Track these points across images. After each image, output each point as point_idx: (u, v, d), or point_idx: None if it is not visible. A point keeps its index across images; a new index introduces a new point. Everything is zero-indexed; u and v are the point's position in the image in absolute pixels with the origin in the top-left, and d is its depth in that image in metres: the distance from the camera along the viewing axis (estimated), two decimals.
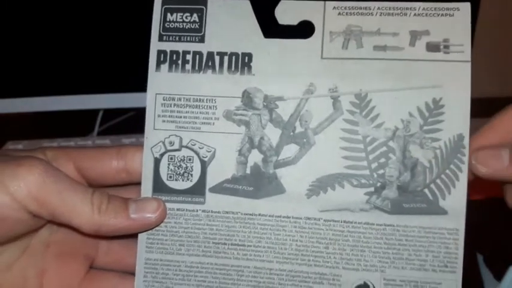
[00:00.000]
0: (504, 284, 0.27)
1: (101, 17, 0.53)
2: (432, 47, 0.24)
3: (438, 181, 0.24)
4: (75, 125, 0.63)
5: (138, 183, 0.26)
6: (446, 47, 0.24)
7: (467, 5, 0.24)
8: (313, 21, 0.25)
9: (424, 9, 0.24)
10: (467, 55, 0.24)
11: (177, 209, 0.25)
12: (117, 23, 0.53)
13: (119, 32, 0.53)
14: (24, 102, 0.56)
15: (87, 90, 0.56)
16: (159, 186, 0.26)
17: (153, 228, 0.25)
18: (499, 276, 0.33)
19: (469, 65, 0.24)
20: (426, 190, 0.24)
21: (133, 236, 0.26)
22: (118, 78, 0.56)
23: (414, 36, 0.24)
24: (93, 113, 0.63)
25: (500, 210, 0.47)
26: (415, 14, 0.24)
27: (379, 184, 0.25)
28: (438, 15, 0.24)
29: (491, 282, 0.36)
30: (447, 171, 0.24)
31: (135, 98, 0.56)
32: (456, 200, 0.24)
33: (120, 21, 0.53)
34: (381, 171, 0.25)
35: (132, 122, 0.65)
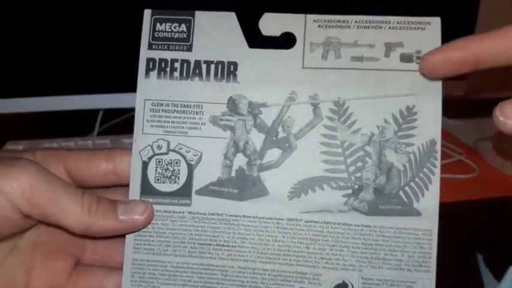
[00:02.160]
0: (504, 284, 0.28)
1: (101, 17, 0.52)
2: (405, 58, 0.25)
3: (412, 184, 0.25)
4: (75, 125, 0.62)
5: (126, 185, 0.26)
6: (418, 58, 0.24)
7: (438, 19, 0.24)
8: (295, 33, 0.25)
9: (398, 22, 0.25)
10: None
11: (164, 211, 0.25)
12: (117, 23, 0.52)
13: (119, 32, 0.52)
14: (24, 102, 0.55)
15: (87, 90, 0.56)
16: (146, 188, 0.25)
17: (140, 229, 0.25)
18: (499, 276, 0.32)
19: None
20: (401, 192, 0.25)
21: (120, 235, 0.25)
22: (118, 78, 0.55)
23: (389, 47, 0.25)
24: (93, 113, 0.63)
25: (500, 210, 0.48)
26: (389, 27, 0.25)
27: (356, 187, 0.25)
28: (411, 28, 0.25)
29: (491, 282, 0.36)
30: (420, 174, 0.24)
31: (135, 98, 0.57)
32: (429, 202, 0.24)
33: (120, 22, 0.52)
34: (358, 175, 0.25)
35: (132, 122, 0.66)
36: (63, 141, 0.56)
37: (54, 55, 0.54)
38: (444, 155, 0.24)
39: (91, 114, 0.63)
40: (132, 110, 0.67)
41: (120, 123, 0.66)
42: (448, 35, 0.25)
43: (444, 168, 0.25)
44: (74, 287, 0.26)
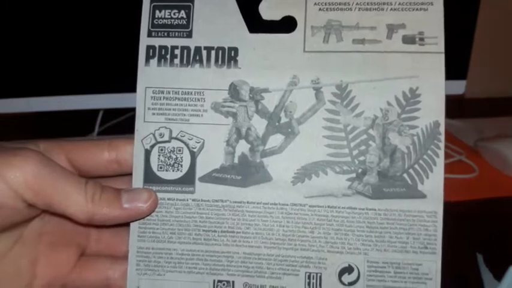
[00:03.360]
0: (504, 284, 0.28)
1: (101, 17, 0.52)
2: (408, 40, 0.25)
3: (416, 166, 0.24)
4: (75, 125, 0.62)
5: (128, 174, 0.26)
6: (421, 39, 0.24)
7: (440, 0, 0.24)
8: (296, 17, 0.25)
9: (399, 4, 0.25)
10: (441, 47, 0.24)
11: (168, 199, 0.25)
12: (117, 23, 0.52)
13: (119, 32, 0.52)
14: (24, 102, 0.55)
15: (87, 90, 0.56)
16: (149, 176, 0.25)
17: (144, 217, 0.25)
18: (499, 276, 0.32)
19: (442, 56, 0.24)
20: (405, 175, 0.25)
21: (124, 224, 0.25)
22: (118, 78, 0.54)
23: (391, 29, 0.25)
24: (93, 113, 0.63)
25: (500, 210, 0.48)
26: (391, 9, 0.25)
27: (360, 170, 0.25)
28: (413, 9, 0.25)
29: (491, 282, 0.36)
30: (424, 156, 0.24)
31: (135, 98, 0.56)
32: (434, 184, 0.24)
33: (120, 22, 0.52)
34: (361, 158, 0.25)
35: (132, 122, 0.65)
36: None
37: (54, 55, 0.54)
38: (444, 155, 0.24)
39: (91, 114, 0.63)
40: (132, 110, 0.66)
41: (120, 123, 0.66)
42: (449, 22, 0.25)
43: (444, 168, 0.25)
44: (79, 278, 0.26)
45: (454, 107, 0.26)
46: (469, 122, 0.65)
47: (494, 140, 0.58)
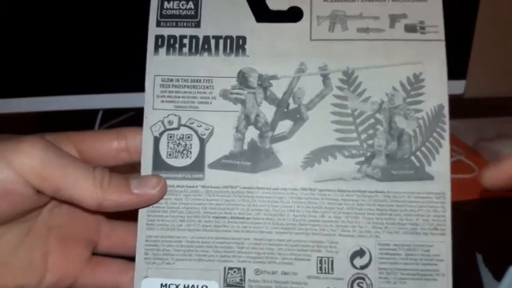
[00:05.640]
0: (504, 284, 0.28)
1: (101, 17, 0.52)
2: (410, 28, 0.25)
3: (423, 148, 0.25)
4: (75, 125, 0.63)
5: (139, 163, 0.25)
6: (422, 28, 0.25)
7: None
8: (302, 7, 0.26)
9: None
10: (441, 35, 0.25)
11: (177, 186, 0.25)
12: (117, 22, 0.52)
13: (119, 32, 0.52)
14: (24, 102, 0.55)
15: (87, 90, 0.55)
16: (158, 163, 0.25)
17: (154, 203, 0.25)
18: (498, 276, 0.32)
19: (443, 43, 0.25)
20: (412, 157, 0.25)
21: (135, 218, 0.25)
22: (118, 78, 0.55)
23: (393, 19, 0.25)
24: (93, 113, 0.62)
25: (500, 210, 0.48)
26: (393, 0, 0.25)
27: (368, 154, 0.25)
28: (413, 0, 0.25)
29: (491, 282, 0.36)
30: (431, 139, 0.25)
31: (135, 98, 0.55)
32: (441, 165, 0.24)
33: (120, 21, 0.52)
34: (370, 142, 0.25)
35: (132, 122, 0.65)
36: None
37: (54, 55, 0.54)
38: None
39: (91, 114, 0.63)
40: (132, 110, 0.66)
41: (120, 123, 0.65)
42: (449, 21, 0.25)
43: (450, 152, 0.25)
44: (90, 275, 0.26)
45: (454, 107, 0.27)
46: (468, 122, 0.65)
47: (494, 140, 0.58)
